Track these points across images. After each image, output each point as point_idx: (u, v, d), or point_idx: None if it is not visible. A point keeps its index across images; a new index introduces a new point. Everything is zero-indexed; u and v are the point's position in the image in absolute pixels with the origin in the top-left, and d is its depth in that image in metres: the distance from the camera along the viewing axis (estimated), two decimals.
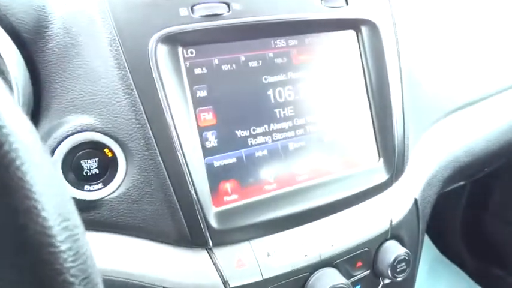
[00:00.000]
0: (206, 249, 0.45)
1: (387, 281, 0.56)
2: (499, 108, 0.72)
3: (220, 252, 0.45)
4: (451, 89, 0.67)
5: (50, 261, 0.17)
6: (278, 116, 0.48)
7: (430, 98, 0.63)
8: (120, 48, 0.40)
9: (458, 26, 0.71)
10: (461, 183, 1.03)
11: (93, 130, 0.40)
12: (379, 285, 0.57)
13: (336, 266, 0.51)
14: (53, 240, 0.17)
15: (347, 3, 0.52)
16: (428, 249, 1.42)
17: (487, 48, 0.72)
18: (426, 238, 1.44)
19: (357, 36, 0.54)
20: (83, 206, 0.41)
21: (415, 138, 0.60)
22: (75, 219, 0.18)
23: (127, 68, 0.40)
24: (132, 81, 0.40)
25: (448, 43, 0.69)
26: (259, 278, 0.46)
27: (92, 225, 0.42)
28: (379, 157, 0.54)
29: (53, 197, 0.17)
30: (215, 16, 0.44)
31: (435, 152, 0.63)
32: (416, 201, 0.59)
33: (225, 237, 0.44)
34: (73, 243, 0.17)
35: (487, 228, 1.26)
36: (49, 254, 0.17)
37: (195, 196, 0.42)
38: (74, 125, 0.40)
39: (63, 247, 0.17)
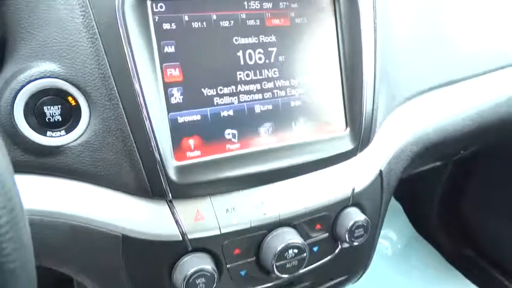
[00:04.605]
0: (166, 201, 0.46)
1: (345, 245, 0.58)
2: (476, 91, 0.73)
3: (180, 205, 0.46)
4: (429, 67, 0.67)
5: None
6: (246, 78, 0.49)
7: (406, 75, 0.63)
8: None
9: (444, 4, 0.71)
10: (438, 163, 1.04)
11: (56, 77, 0.41)
12: (337, 248, 0.59)
13: (294, 227, 0.53)
14: None
15: None
16: (406, 228, 1.46)
17: (470, 30, 0.72)
18: (405, 217, 1.48)
19: (334, 3, 0.53)
20: (44, 151, 0.42)
21: (386, 112, 0.61)
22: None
23: (92, 17, 0.41)
24: (97, 31, 0.41)
25: (431, 20, 0.68)
26: (217, 232, 0.48)
27: (53, 170, 0.43)
28: (346, 126, 0.55)
29: None
30: None
31: (405, 127, 0.64)
32: (381, 172, 0.61)
33: (185, 191, 0.46)
34: None
35: (464, 212, 1.29)
36: None
37: (155, 148, 0.43)
38: (38, 70, 0.40)
39: None
